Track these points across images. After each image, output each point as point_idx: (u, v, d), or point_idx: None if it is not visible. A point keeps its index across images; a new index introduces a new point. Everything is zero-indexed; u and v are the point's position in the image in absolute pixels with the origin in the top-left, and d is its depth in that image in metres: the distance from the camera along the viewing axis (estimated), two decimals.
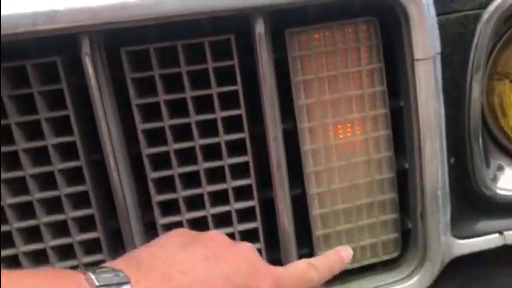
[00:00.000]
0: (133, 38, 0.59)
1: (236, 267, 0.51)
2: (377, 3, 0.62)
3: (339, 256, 0.61)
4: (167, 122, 0.61)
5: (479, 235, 0.74)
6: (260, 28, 0.58)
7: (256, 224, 0.65)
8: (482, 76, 0.69)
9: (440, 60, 0.64)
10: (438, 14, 0.63)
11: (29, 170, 0.59)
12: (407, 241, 0.73)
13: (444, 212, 0.69)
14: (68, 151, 0.60)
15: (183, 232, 0.54)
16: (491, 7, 0.65)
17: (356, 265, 0.71)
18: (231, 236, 0.63)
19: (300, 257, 0.67)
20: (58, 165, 0.60)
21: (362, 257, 0.71)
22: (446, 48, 0.66)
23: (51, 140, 0.59)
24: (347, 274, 0.72)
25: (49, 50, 0.57)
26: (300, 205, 0.67)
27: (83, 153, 0.60)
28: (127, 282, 0.43)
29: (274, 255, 0.67)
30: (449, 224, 0.71)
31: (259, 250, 0.65)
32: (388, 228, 0.71)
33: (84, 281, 0.42)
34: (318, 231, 0.69)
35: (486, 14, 0.65)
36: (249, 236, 0.65)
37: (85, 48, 0.55)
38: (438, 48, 0.63)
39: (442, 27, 0.65)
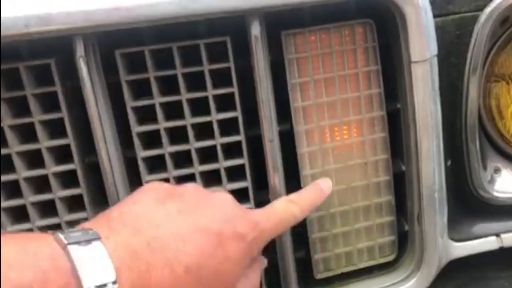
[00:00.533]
0: (128, 40, 0.58)
1: (210, 215, 0.50)
2: (374, 5, 0.62)
3: (319, 188, 0.61)
4: (163, 124, 0.60)
5: (476, 238, 0.74)
6: (256, 30, 0.58)
7: None
8: (479, 78, 0.68)
9: (437, 62, 0.64)
10: (435, 16, 0.63)
11: (23, 173, 0.58)
12: (404, 244, 0.72)
13: (441, 214, 0.69)
14: (62, 154, 0.60)
15: (157, 186, 0.53)
16: (488, 9, 0.64)
17: (353, 268, 0.71)
18: None
19: (297, 260, 0.67)
20: (52, 168, 0.59)
21: (359, 260, 0.71)
22: (442, 50, 0.66)
23: (45, 143, 0.58)
24: (344, 277, 0.71)
25: (43, 52, 0.56)
26: None
27: (77, 156, 0.59)
28: (97, 238, 0.43)
29: (270, 258, 0.66)
30: (446, 227, 0.71)
31: None
32: (385, 231, 0.71)
33: (53, 241, 0.41)
34: (314, 234, 0.68)
35: (483, 16, 0.65)
36: None
37: (79, 51, 0.55)
38: (435, 50, 0.63)
39: (439, 29, 0.65)
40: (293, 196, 0.59)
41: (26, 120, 0.57)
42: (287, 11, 0.58)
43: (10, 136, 0.57)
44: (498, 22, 0.66)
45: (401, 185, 0.70)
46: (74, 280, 0.40)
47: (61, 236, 0.42)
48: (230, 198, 0.54)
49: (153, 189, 0.52)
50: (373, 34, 0.63)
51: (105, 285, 0.41)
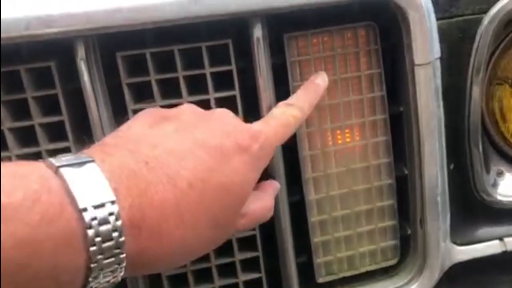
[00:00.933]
0: (129, 42, 0.58)
1: (210, 130, 0.48)
2: (377, 7, 0.61)
3: (315, 83, 0.59)
4: None
5: (479, 242, 0.74)
6: (258, 32, 0.57)
7: (254, 231, 0.64)
8: (482, 80, 0.68)
9: (440, 64, 0.64)
10: (438, 19, 0.62)
11: None
12: (406, 248, 0.72)
13: (444, 218, 0.69)
14: None
15: (152, 111, 0.51)
16: (492, 12, 0.64)
17: (355, 272, 0.70)
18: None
19: (298, 264, 0.67)
20: None
21: (361, 264, 0.70)
22: (445, 52, 0.65)
23: (45, 146, 0.57)
24: (346, 281, 0.71)
25: (44, 54, 0.56)
26: (298, 211, 0.66)
27: None
28: (91, 161, 0.40)
29: (272, 263, 0.66)
30: (448, 231, 0.70)
31: (257, 259, 0.64)
32: (387, 235, 0.70)
33: (43, 166, 0.39)
34: (316, 238, 0.68)
35: (487, 18, 0.64)
36: (246, 243, 0.64)
37: (80, 53, 0.54)
38: (438, 53, 0.62)
39: (442, 31, 0.64)
40: (289, 99, 0.57)
41: (26, 123, 0.56)
42: (289, 13, 0.57)
43: (10, 138, 0.56)
44: (501, 25, 0.66)
45: (404, 189, 0.69)
46: (68, 199, 0.37)
47: (51, 160, 0.39)
48: (228, 112, 0.52)
49: (147, 114, 0.50)
50: (376, 37, 0.63)
51: (103, 204, 0.38)
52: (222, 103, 0.60)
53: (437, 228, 0.68)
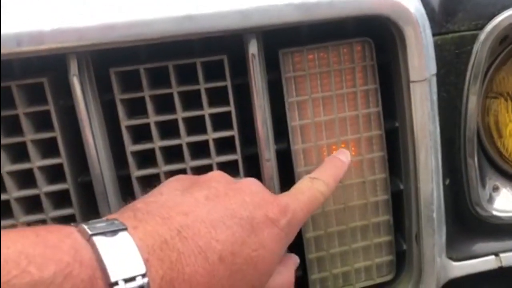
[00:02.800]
0: (122, 58, 0.57)
1: (240, 200, 0.48)
2: (373, 23, 0.61)
3: (338, 160, 0.59)
4: (158, 143, 0.59)
5: (474, 257, 0.73)
6: (253, 48, 0.57)
7: None
8: (478, 96, 0.68)
9: (436, 80, 0.63)
10: (433, 35, 0.62)
11: (14, 193, 0.57)
12: (401, 263, 0.71)
13: (440, 234, 0.68)
14: (55, 173, 0.58)
15: (182, 177, 0.51)
16: (488, 28, 0.64)
17: None
18: None
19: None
20: (44, 188, 0.58)
21: (356, 280, 0.70)
22: (441, 68, 0.65)
23: (37, 163, 0.57)
24: None
25: (36, 70, 0.55)
26: None
27: (70, 176, 0.58)
28: (124, 229, 0.40)
29: None
30: (444, 246, 0.70)
31: None
32: (383, 250, 0.70)
33: (76, 232, 0.39)
34: (311, 254, 0.67)
35: (483, 35, 0.64)
36: None
37: (73, 69, 0.53)
38: (434, 69, 0.62)
39: (438, 47, 0.64)
40: (314, 173, 0.57)
41: (18, 139, 0.56)
42: (285, 29, 0.57)
43: (1, 155, 0.55)
44: (497, 41, 0.66)
45: (399, 204, 0.69)
46: (99, 273, 0.37)
47: (84, 226, 0.39)
48: (256, 181, 0.52)
49: (177, 180, 0.51)
50: (371, 52, 0.62)
51: (133, 278, 0.38)
52: (216, 119, 0.60)
53: (432, 244, 0.68)
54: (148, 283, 0.38)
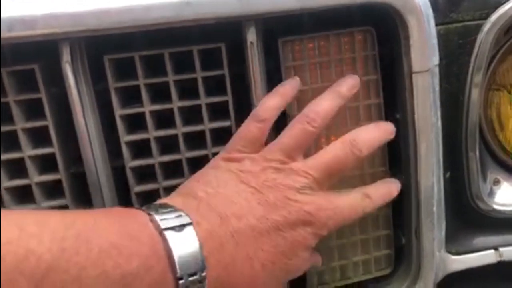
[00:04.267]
0: (117, 45, 0.55)
1: (287, 213, 0.51)
2: (374, 12, 0.59)
3: (389, 186, 0.61)
4: (153, 133, 0.57)
5: (474, 251, 0.72)
6: (252, 36, 0.55)
7: None
8: (480, 88, 0.66)
9: (438, 71, 0.62)
10: (437, 24, 0.60)
11: (4, 183, 0.55)
12: (400, 257, 0.70)
13: (439, 228, 0.67)
14: (46, 163, 0.57)
15: (237, 170, 0.54)
16: (493, 18, 0.62)
17: (348, 282, 0.69)
18: None
19: None
20: (35, 178, 0.56)
21: (354, 273, 0.69)
22: (444, 59, 0.64)
23: (28, 152, 0.55)
24: None
25: (27, 57, 0.54)
26: None
27: (62, 166, 0.56)
28: (190, 224, 0.44)
29: None
30: (443, 241, 0.69)
31: None
32: (381, 244, 0.69)
33: (149, 222, 0.43)
34: None
35: (488, 25, 0.62)
36: None
37: (66, 56, 0.52)
38: (436, 60, 0.61)
39: (441, 37, 0.62)
40: (371, 189, 0.59)
41: (9, 127, 0.54)
42: (284, 17, 0.55)
43: None
44: (502, 31, 0.64)
45: (399, 198, 0.67)
46: (169, 267, 0.41)
47: (157, 219, 0.43)
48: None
49: (232, 172, 0.53)
50: (373, 42, 0.61)
51: (195, 273, 0.42)
52: (213, 109, 0.59)
53: (432, 238, 0.67)
54: (205, 277, 0.43)
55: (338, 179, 0.63)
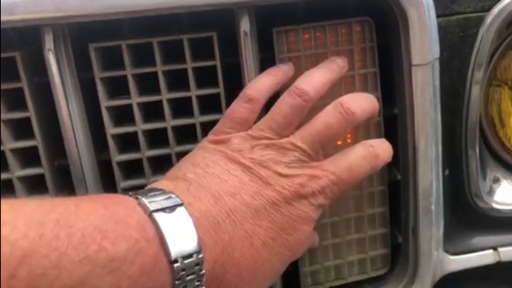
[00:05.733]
0: (103, 32, 0.53)
1: (280, 187, 0.49)
2: (373, 2, 0.57)
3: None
4: (141, 126, 0.55)
5: (472, 251, 0.70)
6: (245, 25, 0.53)
7: None
8: (482, 82, 0.64)
9: (438, 65, 0.60)
10: (437, 16, 0.58)
11: None
12: (396, 257, 0.68)
13: (437, 227, 0.65)
14: (29, 156, 0.54)
15: (224, 150, 0.52)
16: (495, 10, 0.60)
17: (343, 282, 0.67)
18: None
19: (283, 273, 0.62)
20: (17, 172, 0.54)
21: (349, 273, 0.67)
22: (444, 52, 0.61)
23: (9, 145, 0.53)
24: None
25: (8, 44, 0.51)
26: None
27: (46, 159, 0.54)
28: (181, 204, 0.42)
29: None
30: (441, 240, 0.67)
31: None
32: (378, 243, 0.67)
33: (138, 206, 0.41)
34: None
35: (490, 17, 0.60)
36: None
37: (48, 43, 0.49)
38: (437, 52, 0.58)
39: (442, 29, 0.60)
40: (372, 141, 0.56)
41: None
42: (279, 6, 0.53)
43: None
44: (504, 24, 0.62)
45: (396, 195, 0.65)
46: (162, 250, 0.39)
47: (145, 201, 0.41)
48: None
49: (221, 152, 0.51)
50: (371, 33, 0.59)
51: (191, 255, 0.40)
52: (204, 101, 0.56)
53: (429, 237, 0.65)
54: (202, 259, 0.41)
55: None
